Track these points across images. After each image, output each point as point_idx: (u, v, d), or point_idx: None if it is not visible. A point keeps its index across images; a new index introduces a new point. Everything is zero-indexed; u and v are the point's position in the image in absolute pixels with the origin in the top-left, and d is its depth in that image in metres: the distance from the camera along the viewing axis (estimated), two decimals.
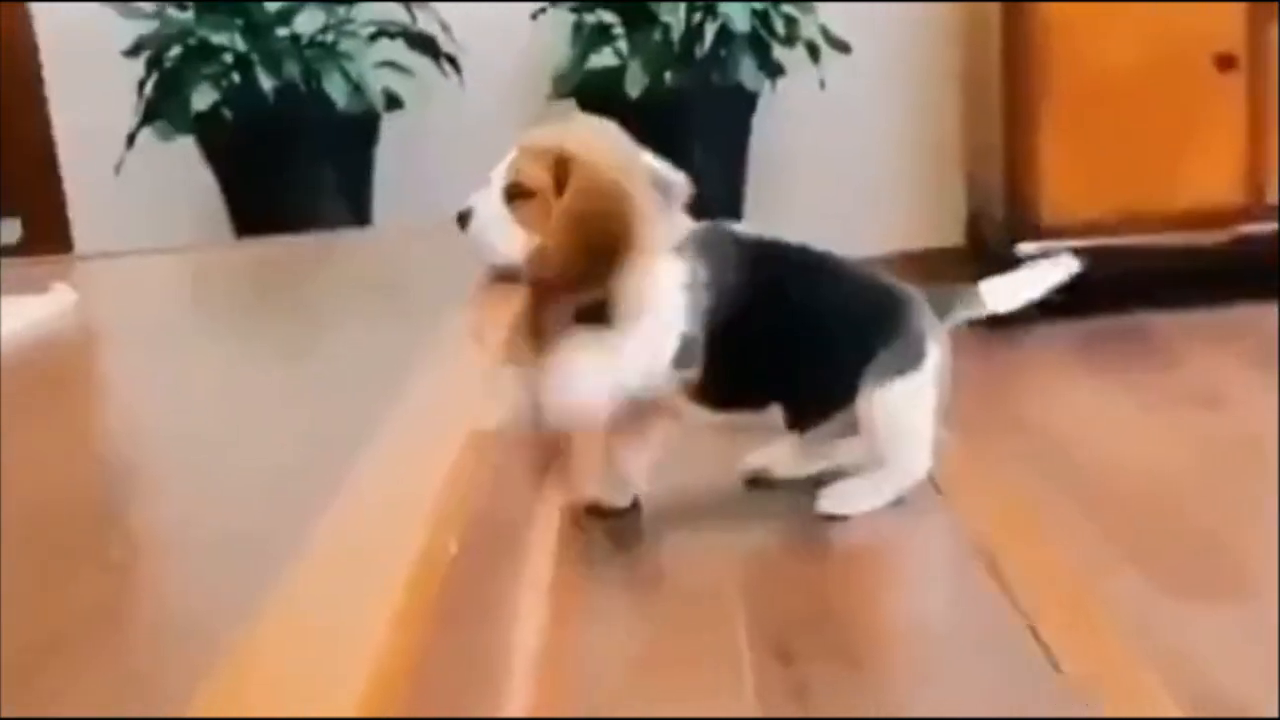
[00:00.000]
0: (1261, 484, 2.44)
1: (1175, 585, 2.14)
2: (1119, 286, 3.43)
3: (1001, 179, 3.66)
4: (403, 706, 0.57)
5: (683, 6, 3.58)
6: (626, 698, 1.00)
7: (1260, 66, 3.54)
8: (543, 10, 3.75)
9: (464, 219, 1.27)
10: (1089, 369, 3.32)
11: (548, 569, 1.10)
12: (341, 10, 3.69)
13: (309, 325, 1.47)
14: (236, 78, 3.58)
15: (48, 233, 3.86)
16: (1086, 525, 2.37)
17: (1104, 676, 1.01)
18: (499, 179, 1.26)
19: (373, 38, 3.73)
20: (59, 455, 0.99)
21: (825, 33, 3.64)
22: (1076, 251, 1.40)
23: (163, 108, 3.57)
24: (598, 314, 1.26)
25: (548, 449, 1.28)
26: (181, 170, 3.75)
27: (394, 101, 3.74)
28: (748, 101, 3.74)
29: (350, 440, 0.82)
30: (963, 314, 1.37)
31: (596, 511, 1.32)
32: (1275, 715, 1.73)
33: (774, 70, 3.68)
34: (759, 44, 3.62)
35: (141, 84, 3.59)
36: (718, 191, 3.61)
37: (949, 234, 4.07)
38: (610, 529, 1.30)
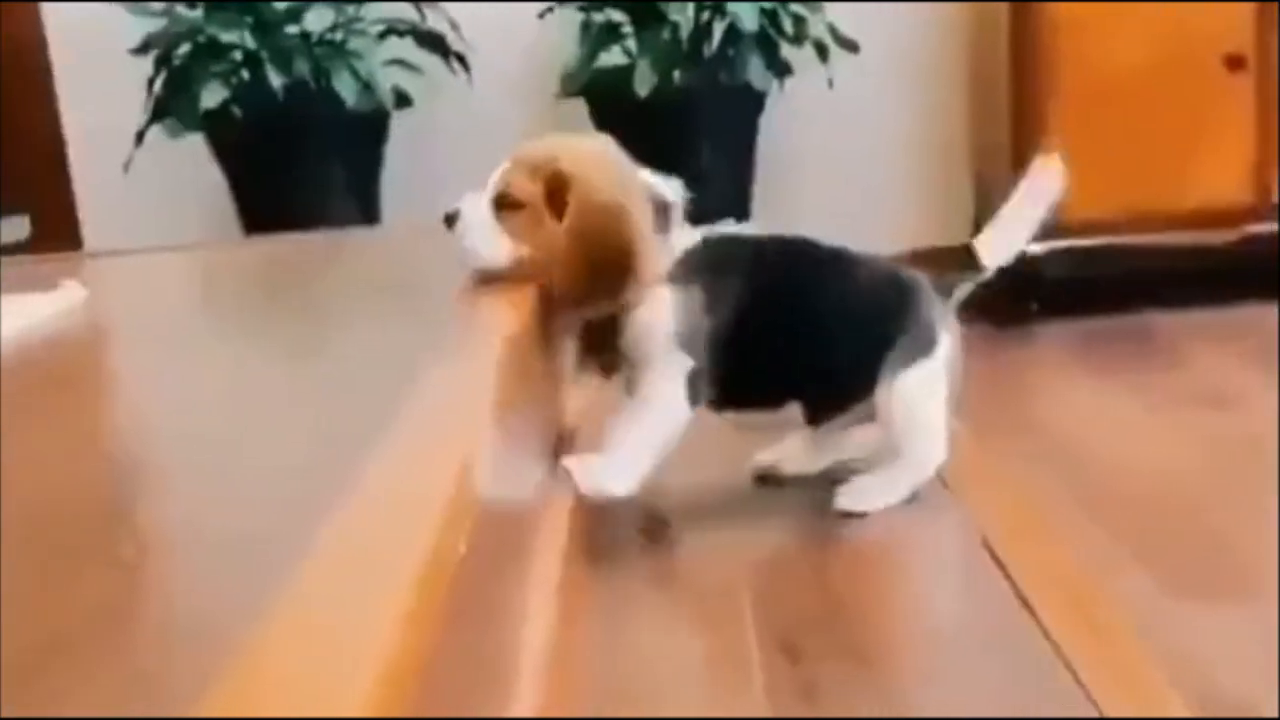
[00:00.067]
0: (1267, 484, 2.44)
1: (1181, 585, 2.13)
2: (1126, 286, 3.43)
3: (1009, 178, 3.64)
4: (411, 706, 0.57)
5: (691, 5, 3.58)
6: (635, 697, 1.00)
7: (1268, 67, 3.54)
8: (551, 9, 3.75)
9: (450, 220, 1.27)
10: (1095, 369, 3.31)
11: (556, 568, 1.09)
12: (351, 8, 3.70)
13: (318, 323, 1.47)
14: (246, 75, 3.59)
15: (57, 230, 3.87)
16: (1092, 525, 2.37)
17: (1111, 676, 1.01)
18: (491, 187, 1.27)
19: (382, 36, 3.74)
20: (67, 453, 0.99)
21: (833, 32, 3.64)
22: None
23: (172, 105, 3.57)
24: (604, 329, 1.26)
25: (557, 448, 1.28)
26: (190, 168, 3.76)
27: (403, 99, 3.74)
28: (756, 100, 3.74)
29: (359, 439, 0.81)
30: (967, 284, 1.36)
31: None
32: None
33: (782, 69, 3.68)
34: (767, 43, 3.62)
35: (151, 82, 3.59)
36: (725, 191, 3.61)
37: (956, 233, 4.07)
38: (616, 529, 1.30)
